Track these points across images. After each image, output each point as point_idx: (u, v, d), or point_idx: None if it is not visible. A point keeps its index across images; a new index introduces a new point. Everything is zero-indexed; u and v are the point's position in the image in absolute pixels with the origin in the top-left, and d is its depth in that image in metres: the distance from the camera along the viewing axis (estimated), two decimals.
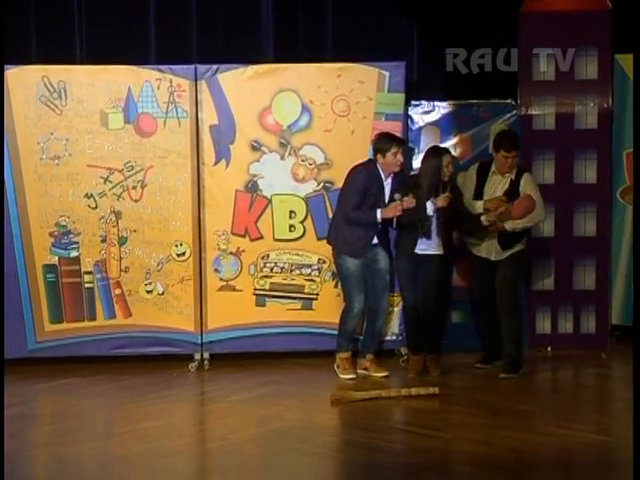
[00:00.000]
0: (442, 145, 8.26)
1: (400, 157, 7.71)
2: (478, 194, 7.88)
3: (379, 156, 7.72)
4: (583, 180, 8.53)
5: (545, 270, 8.69)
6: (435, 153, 7.83)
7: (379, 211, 7.65)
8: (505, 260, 7.85)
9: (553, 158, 8.61)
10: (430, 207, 7.65)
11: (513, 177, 7.85)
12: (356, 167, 7.81)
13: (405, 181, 7.82)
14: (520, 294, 8.09)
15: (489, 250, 7.89)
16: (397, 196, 7.62)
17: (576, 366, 8.29)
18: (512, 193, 7.80)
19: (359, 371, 7.95)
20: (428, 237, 7.72)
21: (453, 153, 8.30)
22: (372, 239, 7.81)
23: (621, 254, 8.84)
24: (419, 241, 7.74)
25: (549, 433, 6.44)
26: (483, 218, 7.76)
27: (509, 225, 7.75)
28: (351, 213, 7.72)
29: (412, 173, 8.11)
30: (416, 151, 8.49)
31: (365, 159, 7.95)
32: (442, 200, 7.64)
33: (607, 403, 7.23)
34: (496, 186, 7.85)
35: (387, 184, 7.76)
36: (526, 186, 7.79)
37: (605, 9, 8.49)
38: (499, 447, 6.16)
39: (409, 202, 7.61)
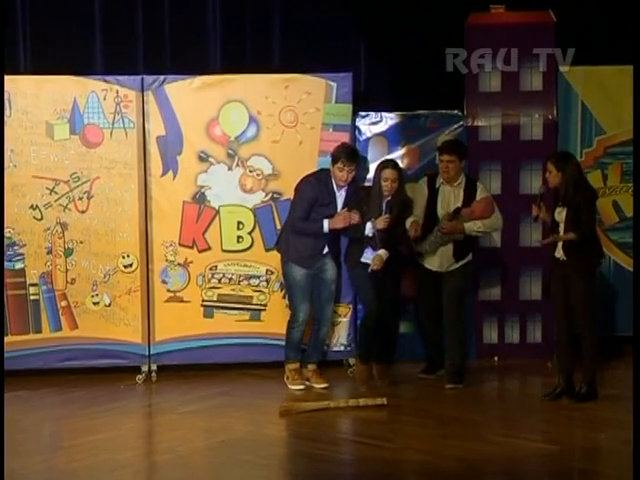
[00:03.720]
0: (389, 157, 8.22)
1: (343, 175, 7.62)
2: (432, 207, 7.85)
3: (331, 165, 7.73)
4: (529, 191, 8.55)
5: (492, 280, 8.73)
6: (378, 169, 7.75)
7: (326, 221, 7.65)
8: (454, 272, 7.87)
9: (499, 169, 8.66)
10: (369, 228, 7.61)
11: (464, 187, 7.87)
12: (307, 177, 7.81)
13: (356, 194, 7.79)
14: (465, 305, 8.13)
15: (441, 263, 7.88)
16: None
17: (523, 375, 8.35)
18: (470, 203, 7.81)
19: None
20: (375, 248, 7.69)
21: (401, 164, 8.10)
22: (322, 250, 7.80)
23: None
24: (371, 252, 7.72)
25: (496, 442, 6.48)
26: (437, 230, 7.70)
27: (469, 227, 7.72)
28: (298, 224, 7.71)
29: (365, 184, 8.09)
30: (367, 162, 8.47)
31: (314, 170, 7.96)
32: (381, 222, 7.59)
33: (553, 412, 7.28)
34: (448, 198, 7.84)
35: (340, 195, 7.76)
36: (483, 194, 7.85)
37: (550, 22, 8.58)
38: (447, 457, 6.19)
39: (353, 218, 7.61)
